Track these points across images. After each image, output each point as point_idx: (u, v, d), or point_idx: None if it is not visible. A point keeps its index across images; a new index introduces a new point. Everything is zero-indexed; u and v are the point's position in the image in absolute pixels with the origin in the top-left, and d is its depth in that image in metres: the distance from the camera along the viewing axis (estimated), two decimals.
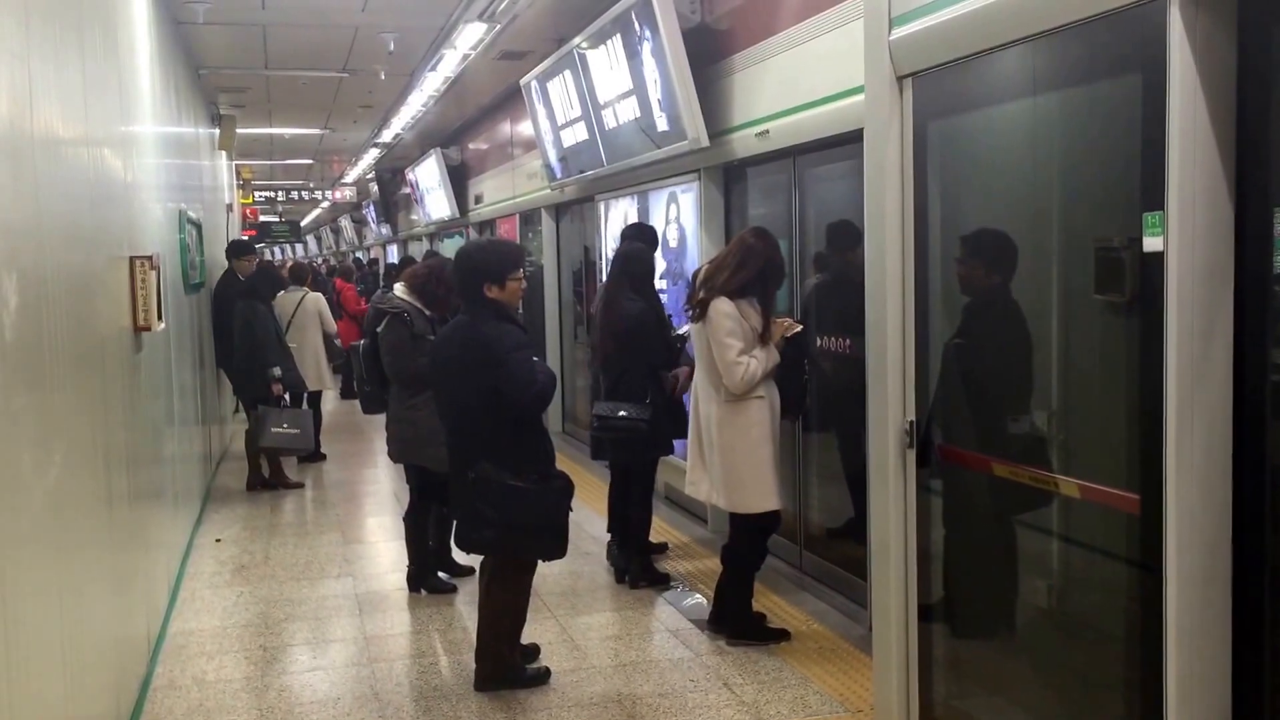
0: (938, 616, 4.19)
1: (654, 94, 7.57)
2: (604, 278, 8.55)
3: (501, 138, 14.15)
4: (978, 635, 4.25)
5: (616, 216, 9.70)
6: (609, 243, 9.74)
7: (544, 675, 5.31)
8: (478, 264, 5.07)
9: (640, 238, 6.93)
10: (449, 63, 10.83)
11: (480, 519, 4.92)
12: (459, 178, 16.52)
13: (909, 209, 4.13)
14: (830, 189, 6.61)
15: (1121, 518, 3.27)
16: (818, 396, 6.46)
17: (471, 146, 16.15)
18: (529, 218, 13.19)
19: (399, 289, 6.62)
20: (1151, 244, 2.99)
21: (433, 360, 5.21)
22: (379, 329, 6.54)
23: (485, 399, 4.88)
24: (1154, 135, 2.96)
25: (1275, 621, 2.94)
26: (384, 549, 7.93)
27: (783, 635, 5.73)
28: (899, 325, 4.17)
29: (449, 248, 17.79)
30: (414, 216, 20.58)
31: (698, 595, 6.51)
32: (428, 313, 6.47)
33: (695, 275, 5.81)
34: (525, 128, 12.01)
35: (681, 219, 8.32)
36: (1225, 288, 2.94)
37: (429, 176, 17.49)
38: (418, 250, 19.33)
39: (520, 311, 5.86)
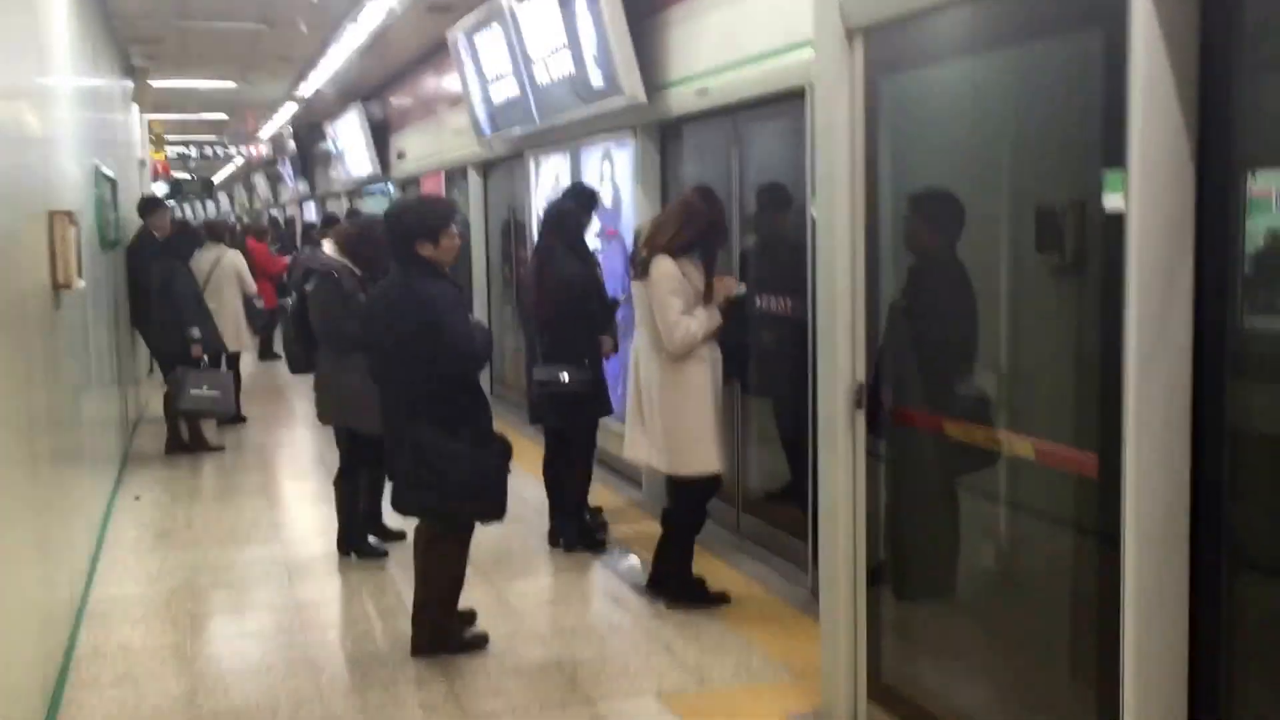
0: (887, 580, 4.15)
1: (589, 48, 7.42)
2: (535, 237, 8.43)
3: (427, 93, 13.86)
4: (928, 599, 4.23)
5: (548, 174, 9.55)
6: (541, 201, 9.60)
7: (482, 640, 5.22)
8: (411, 222, 4.93)
9: (577, 198, 6.79)
10: (373, 14, 10.56)
11: (418, 482, 4.81)
12: (381, 133, 16.19)
13: (859, 167, 4.05)
14: (770, 148, 6.53)
15: (1077, 479, 3.24)
16: (754, 359, 6.41)
17: (395, 101, 15.83)
18: (455, 175, 12.96)
19: (328, 247, 6.43)
20: (1112, 201, 2.93)
21: (364, 321, 5.06)
22: (307, 288, 6.35)
23: (421, 360, 4.75)
24: (1115, 91, 2.90)
25: (1231, 583, 2.93)
26: (311, 513, 7.75)
27: (723, 599, 5.68)
28: (849, 285, 4.09)
29: (371, 205, 17.52)
30: (333, 173, 20.18)
31: (634, 559, 6.44)
32: (358, 272, 6.29)
33: (637, 234, 5.71)
34: (452, 82, 11.78)
35: (617, 177, 8.20)
36: (1185, 248, 2.89)
37: (350, 132, 17.14)
38: (338, 208, 18.96)
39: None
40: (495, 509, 4.95)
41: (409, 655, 5.11)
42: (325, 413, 6.52)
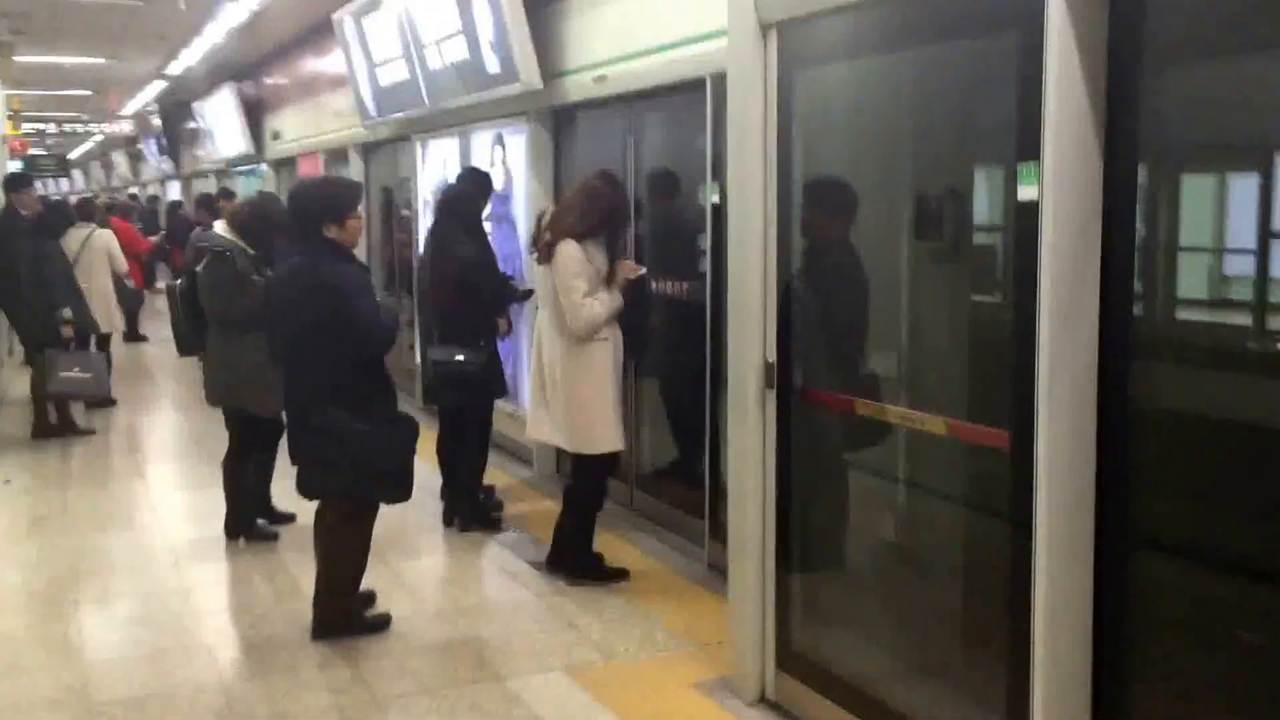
0: (797, 554, 4.27)
1: (485, 35, 7.41)
2: (424, 219, 8.41)
3: (305, 73, 13.65)
4: (837, 571, 4.37)
5: (436, 156, 9.51)
6: (428, 183, 9.59)
7: (384, 621, 5.21)
8: (317, 203, 4.92)
9: (471, 182, 6.81)
10: None
11: (325, 463, 4.81)
12: (255, 113, 15.91)
13: (772, 157, 4.15)
14: (667, 136, 6.62)
15: (984, 454, 3.40)
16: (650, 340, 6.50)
17: (270, 81, 15.54)
18: (335, 156, 12.80)
19: (220, 227, 6.34)
20: (1026, 193, 3.08)
21: (269, 303, 5.01)
22: (198, 268, 6.26)
23: (330, 342, 4.73)
24: (1031, 89, 3.04)
25: (1135, 550, 3.10)
26: (192, 496, 7.63)
27: (622, 574, 5.77)
28: (760, 270, 4.20)
29: (243, 185, 17.22)
30: (201, 152, 19.73)
31: (530, 537, 6.47)
32: (251, 252, 6.22)
33: (540, 218, 5.75)
34: (332, 63, 11.64)
35: (508, 161, 8.21)
36: (1094, 236, 3.05)
37: (221, 111, 16.80)
38: (207, 187, 18.54)
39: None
40: (402, 489, 4.97)
41: (310, 639, 5.08)
42: (215, 394, 6.43)
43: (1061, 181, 2.97)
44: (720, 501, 5.87)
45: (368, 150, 11.83)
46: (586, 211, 5.47)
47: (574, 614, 5.35)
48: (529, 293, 6.66)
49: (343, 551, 5.05)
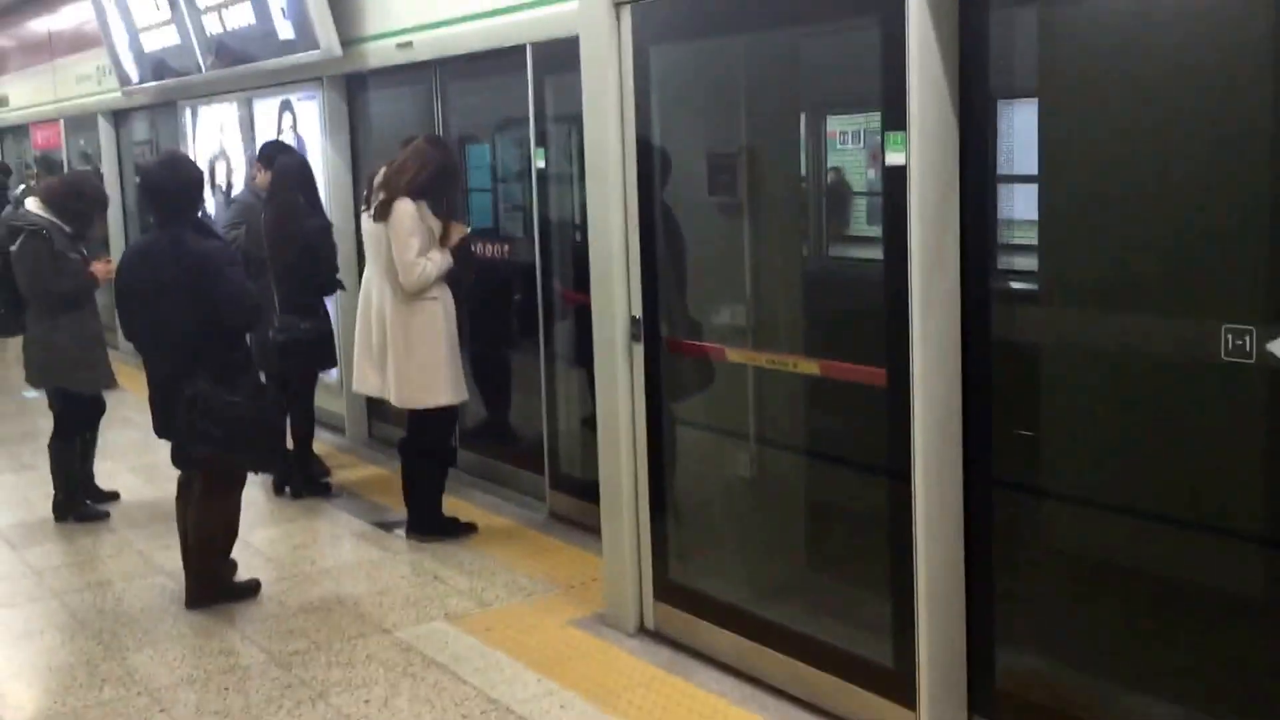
0: (670, 494, 4.67)
1: (276, 1, 7.40)
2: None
3: (36, 35, 12.98)
4: (709, 509, 4.80)
5: (211, 123, 9.37)
6: (203, 151, 9.46)
7: (255, 587, 5.33)
8: (190, 183, 5.07)
9: (289, 154, 6.84)
10: None
11: (202, 436, 4.88)
12: None
13: (630, 127, 4.47)
14: (477, 101, 6.85)
15: (850, 389, 3.89)
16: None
17: None
18: (79, 124, 12.29)
19: (33, 204, 6.24)
20: (893, 159, 3.55)
21: (127, 280, 5.03)
22: (12, 248, 6.14)
23: (199, 315, 4.83)
24: (893, 65, 3.50)
25: (994, 464, 3.64)
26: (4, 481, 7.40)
27: (471, 529, 6.03)
28: (621, 231, 4.55)
29: None
30: None
31: (363, 499, 6.65)
32: (68, 230, 6.17)
33: (371, 178, 5.88)
34: (69, 22, 11.23)
35: (299, 129, 8.21)
36: (953, 193, 3.54)
37: None
38: None
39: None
40: (272, 458, 5.11)
41: (183, 609, 5.17)
42: (36, 375, 6.34)
43: (925, 147, 3.44)
44: (559, 454, 6.24)
45: (120, 117, 11.44)
46: (418, 172, 5.67)
47: (435, 568, 5.59)
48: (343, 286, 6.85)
49: (216, 520, 5.15)
